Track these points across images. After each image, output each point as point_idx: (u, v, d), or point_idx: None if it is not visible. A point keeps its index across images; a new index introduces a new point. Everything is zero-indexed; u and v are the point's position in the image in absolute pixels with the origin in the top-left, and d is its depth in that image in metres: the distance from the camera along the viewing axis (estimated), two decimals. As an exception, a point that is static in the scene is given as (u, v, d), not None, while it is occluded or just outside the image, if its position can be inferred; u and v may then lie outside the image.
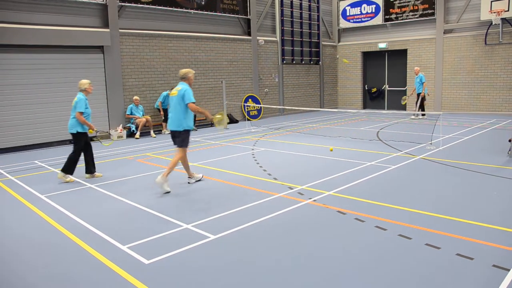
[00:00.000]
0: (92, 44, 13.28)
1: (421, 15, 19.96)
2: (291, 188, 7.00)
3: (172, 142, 7.62)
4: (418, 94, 16.73)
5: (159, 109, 14.74)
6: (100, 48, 13.55)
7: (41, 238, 5.19)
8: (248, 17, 18.26)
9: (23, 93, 11.91)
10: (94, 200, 6.83)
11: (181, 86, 7.35)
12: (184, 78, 7.50)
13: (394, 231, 4.97)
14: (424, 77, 16.76)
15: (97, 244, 4.89)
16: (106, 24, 13.66)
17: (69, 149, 12.11)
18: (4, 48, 11.66)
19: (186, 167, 7.69)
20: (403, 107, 20.50)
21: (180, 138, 7.37)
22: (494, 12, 17.18)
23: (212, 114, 7.92)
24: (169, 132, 7.69)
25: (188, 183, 7.66)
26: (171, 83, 15.30)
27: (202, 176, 7.92)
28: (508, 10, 16.96)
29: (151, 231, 5.21)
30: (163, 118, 14.59)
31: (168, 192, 7.03)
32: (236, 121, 17.45)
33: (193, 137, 13.62)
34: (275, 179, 7.71)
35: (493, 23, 17.41)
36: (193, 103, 7.28)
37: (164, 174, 7.07)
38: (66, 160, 8.20)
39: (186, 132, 7.37)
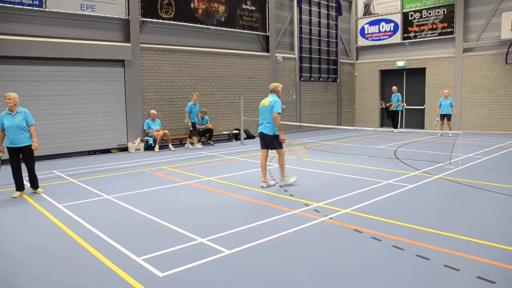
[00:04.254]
0: (114, 58, 13.55)
1: (440, 34, 19.89)
2: (307, 205, 6.96)
3: (261, 145, 8.67)
4: (446, 115, 17.31)
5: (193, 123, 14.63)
6: (121, 62, 13.80)
7: (57, 247, 5.24)
8: (267, 34, 18.44)
9: (44, 104, 12.16)
10: (110, 211, 6.88)
11: (272, 98, 8.49)
12: (273, 91, 8.61)
13: (412, 251, 4.89)
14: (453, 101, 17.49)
15: (112, 254, 4.92)
16: (127, 39, 13.94)
17: (89, 160, 12.39)
18: (31, 60, 12.01)
19: (281, 167, 8.52)
20: (422, 125, 20.37)
21: (274, 142, 8.42)
22: (515, 32, 17.05)
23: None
24: (259, 135, 8.70)
25: (276, 183, 8.60)
26: (189, 98, 15.47)
27: (294, 181, 8.58)
28: (529, 30, 16.82)
29: (166, 244, 5.22)
30: (190, 129, 14.63)
31: (295, 181, 8.50)
32: (253, 137, 17.49)
33: (209, 151, 13.71)
34: (291, 195, 7.68)
35: (514, 42, 17.27)
36: (279, 113, 8.33)
37: (283, 176, 8.44)
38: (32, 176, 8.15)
39: (277, 136, 8.38)
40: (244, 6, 17.37)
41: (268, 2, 18.28)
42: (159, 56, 14.79)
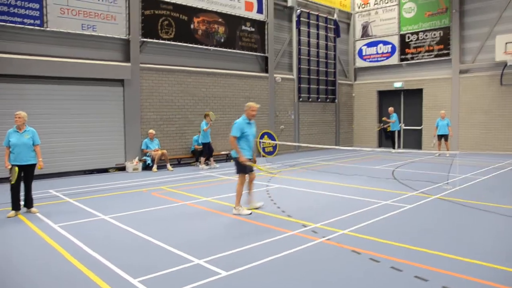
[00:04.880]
0: (113, 77, 13.65)
1: (436, 55, 20.13)
2: (305, 226, 6.93)
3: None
4: (444, 136, 17.45)
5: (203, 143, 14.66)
6: (121, 82, 13.89)
7: (51, 268, 5.19)
8: (266, 55, 18.62)
9: (42, 122, 12.13)
10: (106, 231, 6.84)
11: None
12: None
13: (410, 273, 4.86)
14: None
15: (107, 276, 4.87)
16: (127, 58, 14.06)
17: (86, 179, 12.35)
18: (31, 79, 12.09)
19: (237, 194, 7.99)
20: (420, 146, 20.45)
21: (236, 165, 8.00)
22: (509, 54, 17.25)
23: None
24: None
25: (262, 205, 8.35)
26: (188, 118, 15.56)
27: (247, 214, 7.88)
28: (523, 52, 17.05)
29: (163, 265, 5.17)
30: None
31: (257, 208, 8.12)
32: (251, 157, 17.47)
33: (207, 171, 13.69)
34: (289, 216, 7.65)
35: (508, 64, 17.45)
36: (233, 136, 7.84)
37: (236, 204, 7.88)
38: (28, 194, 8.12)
39: (236, 160, 7.88)
40: (243, 27, 17.58)
41: (267, 23, 18.51)
42: (158, 76, 14.90)
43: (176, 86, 15.40)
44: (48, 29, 12.27)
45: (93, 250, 5.81)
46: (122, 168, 13.99)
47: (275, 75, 19.03)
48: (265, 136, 18.48)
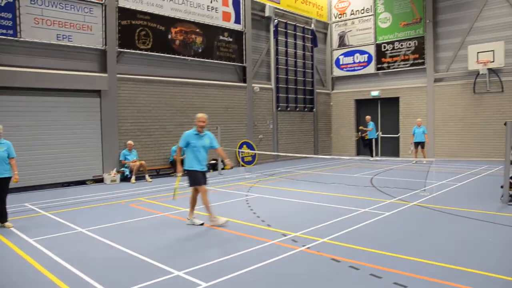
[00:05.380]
0: (90, 88, 13.48)
1: (412, 64, 20.53)
2: (284, 235, 6.93)
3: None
4: (420, 143, 17.80)
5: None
6: (98, 92, 13.72)
7: (27, 284, 5.05)
8: (244, 64, 18.68)
9: (16, 134, 11.81)
10: (84, 245, 6.70)
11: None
12: None
13: (389, 279, 4.90)
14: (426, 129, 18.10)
15: (85, 291, 4.77)
16: (104, 69, 13.91)
17: (62, 192, 12.10)
18: (3, 90, 11.80)
19: (205, 206, 7.88)
20: (397, 153, 20.74)
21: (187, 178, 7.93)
22: (481, 63, 17.74)
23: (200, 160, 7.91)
24: None
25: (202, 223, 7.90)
26: (167, 128, 15.45)
27: (223, 223, 7.74)
28: (493, 61, 17.53)
29: (142, 278, 5.09)
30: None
31: (199, 225, 7.77)
32: (231, 168, 17.44)
33: (186, 182, 13.56)
34: (269, 225, 7.64)
35: (480, 73, 17.94)
36: (178, 147, 7.98)
37: (209, 215, 7.72)
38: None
39: (189, 172, 7.83)
40: (221, 37, 17.62)
41: (245, 33, 18.61)
42: (136, 86, 14.78)
43: (154, 96, 15.30)
44: (21, 39, 12.06)
45: (70, 264, 5.68)
46: (100, 180, 13.78)
47: (253, 85, 19.10)
48: (244, 146, 18.48)
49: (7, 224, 7.91)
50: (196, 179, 7.80)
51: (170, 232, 7.37)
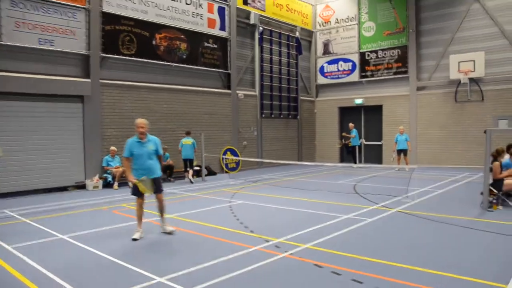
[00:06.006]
0: (72, 93, 13.33)
1: (395, 73, 20.80)
2: (267, 241, 6.92)
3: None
4: (403, 150, 18.01)
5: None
6: (80, 98, 13.58)
7: (5, 292, 4.96)
8: (229, 71, 18.70)
9: (-3, 141, 11.74)
10: (65, 251, 6.59)
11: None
12: None
13: (371, 284, 4.92)
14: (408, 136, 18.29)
15: (64, 298, 4.69)
16: (87, 74, 13.79)
17: (44, 198, 11.90)
18: (-18, 96, 11.62)
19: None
20: (380, 160, 20.92)
21: None
22: (462, 72, 18.06)
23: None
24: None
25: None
26: (151, 133, 15.30)
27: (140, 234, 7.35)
28: (474, 71, 17.87)
29: (124, 285, 5.03)
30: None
31: (169, 233, 7.49)
32: (214, 173, 17.41)
33: (169, 188, 13.49)
34: (252, 231, 7.62)
35: (462, 82, 18.26)
36: (124, 157, 7.60)
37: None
38: None
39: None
40: (206, 44, 17.63)
41: (230, 40, 18.64)
42: (119, 92, 14.68)
43: (138, 102, 15.21)
44: (2, 42, 11.88)
45: (50, 272, 5.58)
46: (82, 186, 13.60)
47: (237, 92, 19.11)
48: (228, 152, 18.46)
49: None
50: (136, 190, 7.41)
51: (152, 238, 7.30)
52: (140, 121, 7.55)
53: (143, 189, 7.33)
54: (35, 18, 12.52)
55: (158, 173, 7.64)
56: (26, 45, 12.37)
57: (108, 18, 14.29)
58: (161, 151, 7.75)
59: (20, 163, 12.28)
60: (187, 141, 15.13)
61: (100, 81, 14.05)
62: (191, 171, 15.06)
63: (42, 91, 12.65)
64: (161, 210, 7.71)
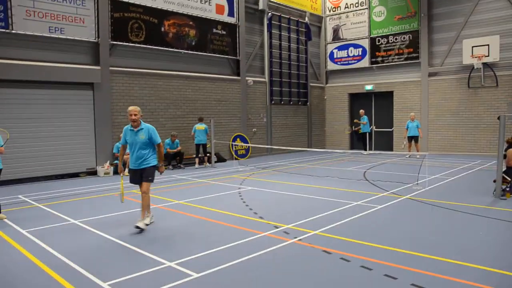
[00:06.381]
0: (83, 80, 13.41)
1: (406, 59, 20.54)
2: (276, 227, 6.95)
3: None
4: (414, 137, 17.78)
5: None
6: (91, 85, 13.65)
7: (20, 275, 5.04)
8: (238, 58, 18.63)
9: (10, 127, 11.68)
10: (77, 236, 6.69)
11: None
12: None
13: (380, 271, 4.93)
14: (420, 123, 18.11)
15: (78, 281, 4.76)
16: (97, 62, 13.83)
17: (56, 184, 12.06)
18: (-6, 83, 11.73)
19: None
20: (391, 147, 20.81)
21: None
22: (476, 57, 17.76)
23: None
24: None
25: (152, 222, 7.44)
26: (160, 121, 15.40)
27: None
28: (488, 55, 17.54)
29: (133, 268, 5.10)
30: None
31: (147, 224, 7.14)
32: (224, 160, 17.46)
33: (179, 175, 13.58)
34: (261, 218, 7.66)
35: (475, 67, 17.96)
36: (122, 145, 7.64)
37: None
38: None
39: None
40: (214, 30, 17.55)
41: (238, 26, 18.54)
42: (129, 79, 14.71)
43: (147, 89, 15.24)
44: (13, 31, 11.95)
45: (63, 255, 5.68)
46: (93, 173, 13.74)
47: (247, 78, 19.06)
48: (238, 139, 18.48)
49: (0, 215, 7.88)
50: (130, 178, 7.40)
51: (162, 224, 7.37)
52: (132, 108, 7.26)
53: (121, 184, 7.69)
54: (44, 7, 12.54)
55: (151, 162, 7.26)
56: (36, 33, 12.41)
57: (117, 5, 14.26)
58: (157, 139, 7.36)
59: (33, 149, 12.43)
60: (200, 126, 15.41)
61: (110, 68, 14.09)
62: (197, 160, 15.77)
63: (53, 79, 12.74)
64: (143, 202, 7.15)
